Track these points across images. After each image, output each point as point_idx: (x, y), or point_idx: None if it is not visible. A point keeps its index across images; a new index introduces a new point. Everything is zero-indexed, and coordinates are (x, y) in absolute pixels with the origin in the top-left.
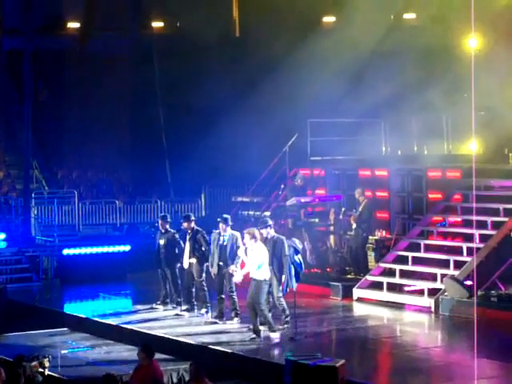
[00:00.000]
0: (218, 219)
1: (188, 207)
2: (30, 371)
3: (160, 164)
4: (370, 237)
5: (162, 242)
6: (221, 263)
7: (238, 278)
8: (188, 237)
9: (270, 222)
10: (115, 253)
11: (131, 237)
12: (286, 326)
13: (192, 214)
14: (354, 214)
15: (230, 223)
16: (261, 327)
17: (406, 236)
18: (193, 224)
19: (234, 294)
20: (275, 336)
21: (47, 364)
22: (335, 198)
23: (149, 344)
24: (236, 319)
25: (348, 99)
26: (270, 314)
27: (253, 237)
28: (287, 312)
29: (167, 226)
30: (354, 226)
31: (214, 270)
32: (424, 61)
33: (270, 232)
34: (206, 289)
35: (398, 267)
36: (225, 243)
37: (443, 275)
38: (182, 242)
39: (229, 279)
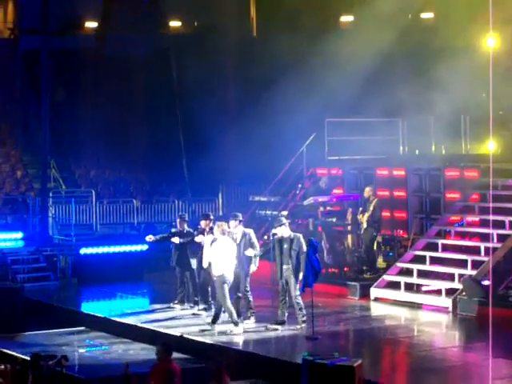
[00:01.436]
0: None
1: (205, 206)
2: (48, 370)
3: (177, 163)
4: (380, 236)
5: (182, 241)
6: (235, 262)
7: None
8: (206, 235)
9: (285, 221)
10: (132, 252)
11: None
12: (303, 325)
13: (211, 213)
14: (363, 213)
15: (241, 219)
16: (278, 326)
17: (424, 236)
18: (211, 223)
19: (249, 293)
20: (238, 330)
21: (65, 363)
22: (353, 197)
23: (167, 342)
24: (252, 318)
25: (366, 98)
26: (232, 309)
27: (222, 230)
28: (304, 311)
29: (185, 226)
30: (365, 225)
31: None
32: (441, 60)
33: (285, 231)
34: None
35: (415, 267)
36: (237, 241)
37: (461, 275)
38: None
39: (244, 278)
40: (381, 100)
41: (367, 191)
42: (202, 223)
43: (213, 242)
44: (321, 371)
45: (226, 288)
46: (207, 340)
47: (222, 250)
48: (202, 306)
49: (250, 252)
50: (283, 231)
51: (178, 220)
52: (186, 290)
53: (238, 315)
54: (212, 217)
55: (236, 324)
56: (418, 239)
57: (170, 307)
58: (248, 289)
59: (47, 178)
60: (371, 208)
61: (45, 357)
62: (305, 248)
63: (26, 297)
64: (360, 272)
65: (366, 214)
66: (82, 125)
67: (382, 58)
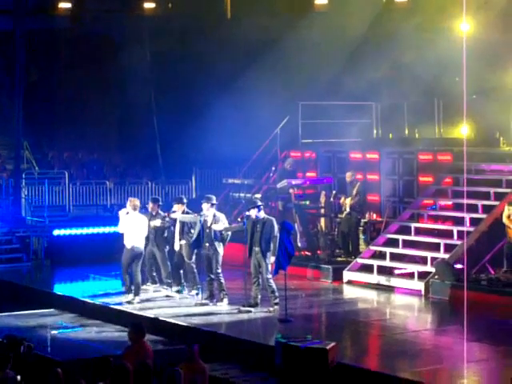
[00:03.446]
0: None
1: (178, 189)
2: (23, 352)
3: (151, 145)
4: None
5: (152, 224)
6: (207, 244)
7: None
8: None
9: (260, 203)
10: (105, 234)
11: None
12: (276, 307)
13: (184, 197)
14: (346, 197)
15: (214, 202)
16: (251, 308)
17: (397, 219)
18: (184, 207)
19: (221, 275)
20: (135, 300)
21: (32, 346)
22: (326, 180)
23: (140, 323)
24: (225, 300)
25: (340, 82)
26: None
27: (133, 205)
28: (276, 294)
29: (158, 209)
30: (348, 209)
31: (205, 251)
32: (416, 44)
33: (260, 213)
34: (195, 271)
35: (388, 250)
36: (208, 224)
37: (433, 258)
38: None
39: (216, 260)
40: (354, 83)
41: (349, 175)
42: (176, 207)
43: (126, 214)
44: (294, 354)
45: (139, 262)
46: (180, 322)
47: (133, 224)
48: (175, 288)
49: (219, 226)
50: (257, 213)
51: (150, 203)
52: (159, 272)
53: (211, 297)
54: (185, 200)
55: (137, 294)
56: (391, 222)
57: (142, 289)
58: (219, 271)
59: (20, 159)
60: (354, 192)
61: (18, 339)
62: (276, 232)
63: None
64: (333, 255)
65: (349, 199)
66: (55, 106)
67: (356, 42)
